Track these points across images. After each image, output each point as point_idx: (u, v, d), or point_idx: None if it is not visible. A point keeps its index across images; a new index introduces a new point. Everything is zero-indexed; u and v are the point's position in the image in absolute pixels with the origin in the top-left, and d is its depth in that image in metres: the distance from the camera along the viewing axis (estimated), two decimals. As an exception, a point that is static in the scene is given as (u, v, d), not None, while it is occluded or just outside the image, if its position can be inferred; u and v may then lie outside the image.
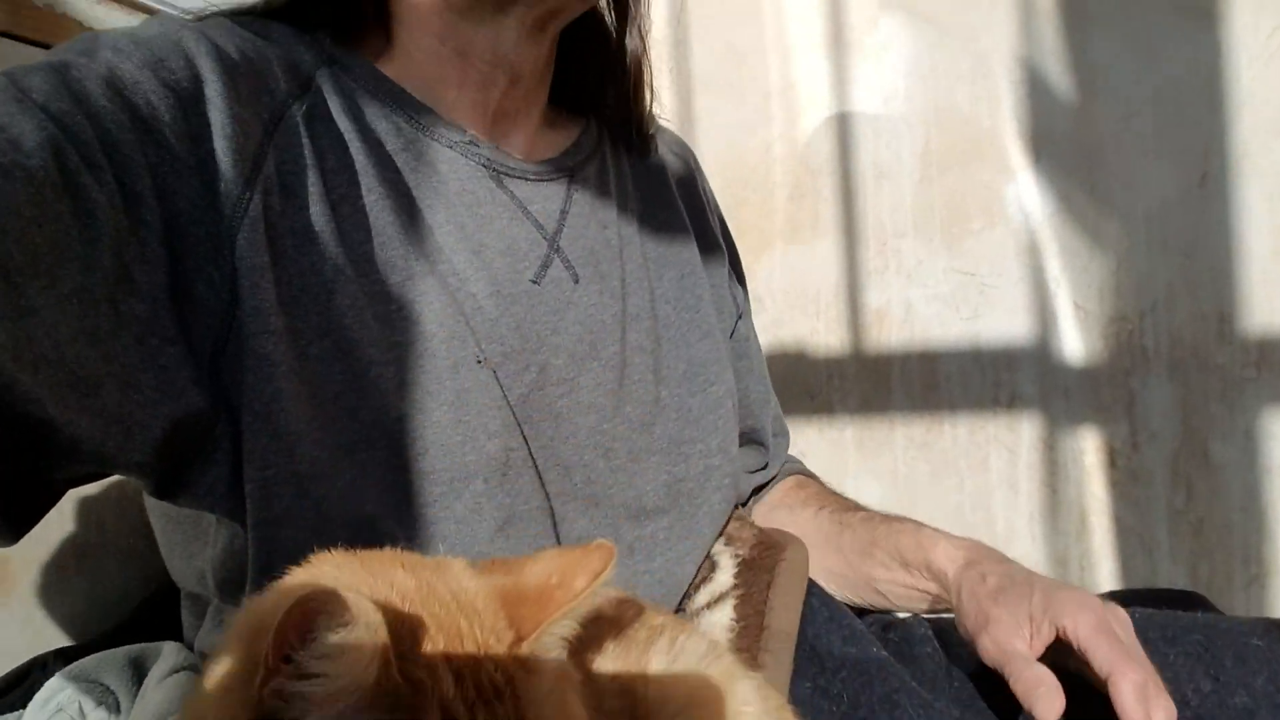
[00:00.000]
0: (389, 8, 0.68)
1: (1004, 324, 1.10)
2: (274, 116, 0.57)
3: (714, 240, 0.85)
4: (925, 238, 1.12)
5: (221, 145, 0.52)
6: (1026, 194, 1.08)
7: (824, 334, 1.17)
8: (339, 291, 0.57)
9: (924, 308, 1.13)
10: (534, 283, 0.67)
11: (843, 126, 1.15)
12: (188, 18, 0.62)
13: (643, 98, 0.79)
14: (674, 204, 0.82)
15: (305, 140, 0.58)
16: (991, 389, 1.11)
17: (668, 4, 1.22)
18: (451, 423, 0.58)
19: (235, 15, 0.64)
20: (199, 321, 0.52)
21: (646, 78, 0.78)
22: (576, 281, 0.70)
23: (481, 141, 0.68)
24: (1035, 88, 1.07)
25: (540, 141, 0.75)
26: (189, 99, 0.52)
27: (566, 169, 0.74)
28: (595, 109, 0.79)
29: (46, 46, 0.59)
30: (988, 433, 1.12)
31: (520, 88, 0.70)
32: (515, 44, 0.67)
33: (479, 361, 0.61)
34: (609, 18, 0.75)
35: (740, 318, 0.86)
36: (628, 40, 0.75)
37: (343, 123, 0.61)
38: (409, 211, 0.62)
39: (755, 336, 0.90)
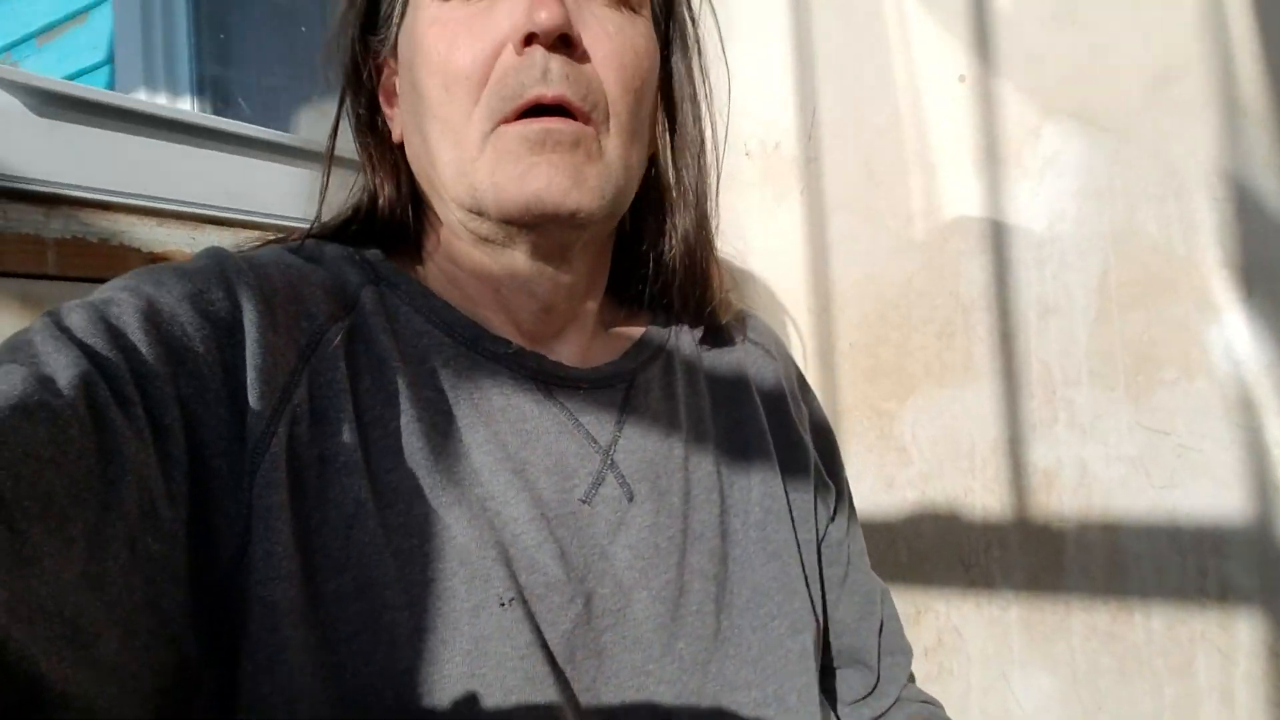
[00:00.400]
0: (425, 230, 0.68)
1: (1209, 496, 0.89)
2: (311, 341, 0.56)
3: (797, 443, 0.74)
4: (1104, 387, 0.93)
5: (252, 377, 0.51)
6: (1236, 337, 0.88)
7: (981, 494, 1.00)
8: (359, 525, 0.53)
9: (1104, 470, 0.94)
10: (584, 502, 0.61)
11: (999, 254, 0.98)
12: (244, 248, 0.63)
13: (708, 292, 0.70)
14: (751, 403, 0.72)
15: (342, 363, 0.56)
16: (1195, 576, 0.90)
17: (798, 120, 1.11)
18: (463, 675, 0.52)
19: (289, 240, 0.65)
20: (208, 561, 0.49)
21: (709, 269, 0.70)
22: (631, 499, 0.63)
23: (529, 352, 0.63)
24: (1244, 207, 0.87)
25: (596, 346, 0.69)
26: (225, 329, 0.52)
27: (625, 374, 0.67)
28: (659, 304, 0.72)
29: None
30: (1192, 629, 0.90)
31: (555, 312, 0.66)
32: (535, 274, 0.63)
33: (502, 604, 0.55)
34: (674, 216, 0.69)
35: (833, 519, 0.75)
36: (676, 235, 0.69)
37: (383, 341, 0.59)
38: (445, 432, 0.58)
39: (856, 539, 0.78)
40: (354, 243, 0.66)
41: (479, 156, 0.59)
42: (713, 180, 0.70)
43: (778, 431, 0.73)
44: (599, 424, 0.64)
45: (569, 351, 0.67)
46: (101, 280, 0.56)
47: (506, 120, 0.58)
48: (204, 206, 0.74)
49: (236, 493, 0.50)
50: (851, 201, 1.07)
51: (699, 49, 0.72)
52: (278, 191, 0.77)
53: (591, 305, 0.69)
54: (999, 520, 0.99)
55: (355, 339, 0.58)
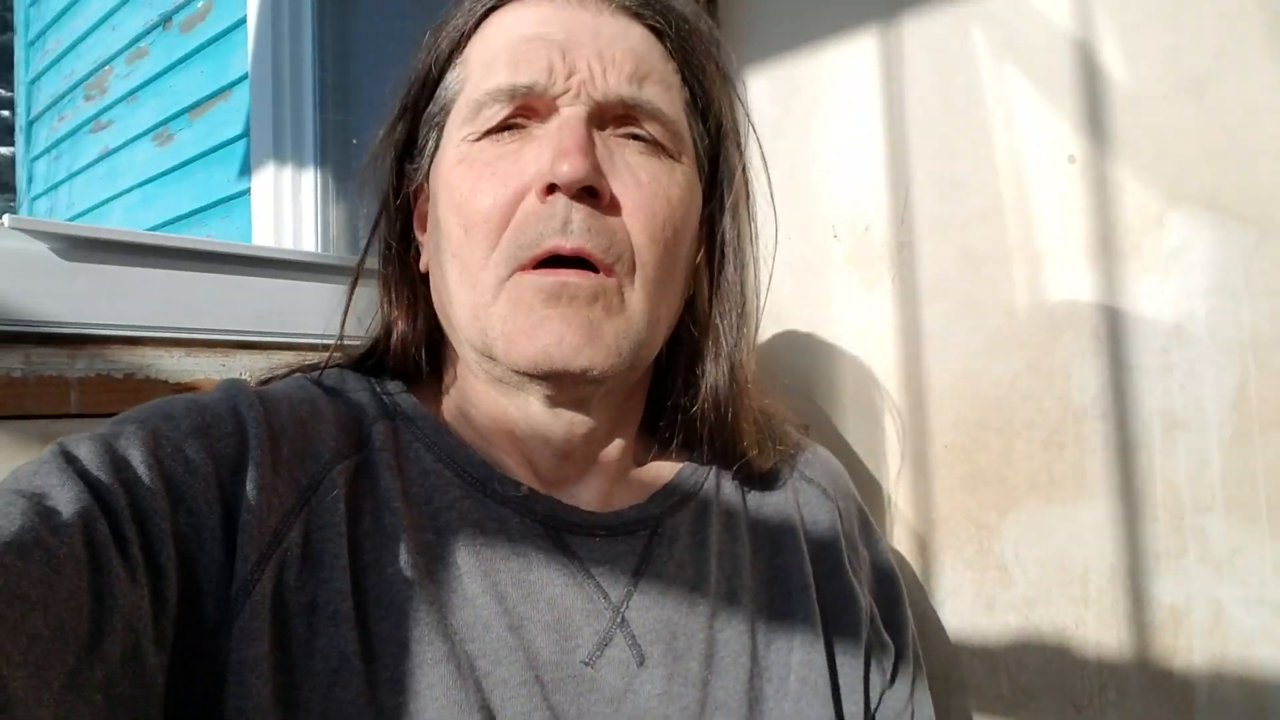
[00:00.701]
0: (445, 363, 0.67)
1: (1375, 657, 0.74)
2: (313, 481, 0.55)
3: (849, 597, 0.67)
4: (1245, 517, 0.80)
5: (245, 518, 0.51)
6: None
7: (1094, 628, 0.88)
8: (343, 681, 0.51)
9: (1244, 615, 0.80)
10: (586, 664, 0.57)
11: (1117, 358, 0.87)
12: (274, 373, 0.65)
13: (740, 441, 0.65)
14: (797, 551, 0.65)
15: (342, 505, 0.55)
16: (1358, 751, 0.75)
17: (890, 202, 1.02)
18: None
19: (314, 368, 0.65)
20: (185, 707, 0.48)
21: (739, 420, 0.64)
22: (641, 664, 0.58)
23: (540, 495, 0.60)
24: None
25: (621, 488, 0.64)
26: (228, 467, 0.52)
27: (649, 519, 0.62)
28: (697, 443, 0.67)
29: None
30: (1353, 812, 0.76)
31: (573, 458, 0.62)
32: (550, 420, 0.61)
33: None
34: (704, 363, 0.66)
35: (891, 684, 0.66)
36: (705, 385, 0.65)
37: (388, 480, 0.57)
38: (441, 580, 0.55)
39: (922, 706, 0.72)
40: (379, 370, 0.65)
41: (493, 303, 0.57)
42: (752, 327, 0.68)
43: (826, 583, 0.66)
44: (613, 576, 0.59)
45: (589, 495, 0.63)
46: None
47: (523, 268, 0.56)
48: (234, 332, 0.74)
49: (215, 640, 0.49)
50: (948, 291, 0.98)
51: (747, 194, 0.69)
52: (311, 309, 0.77)
53: (615, 448, 0.65)
54: (1116, 659, 0.87)
55: (361, 476, 0.57)
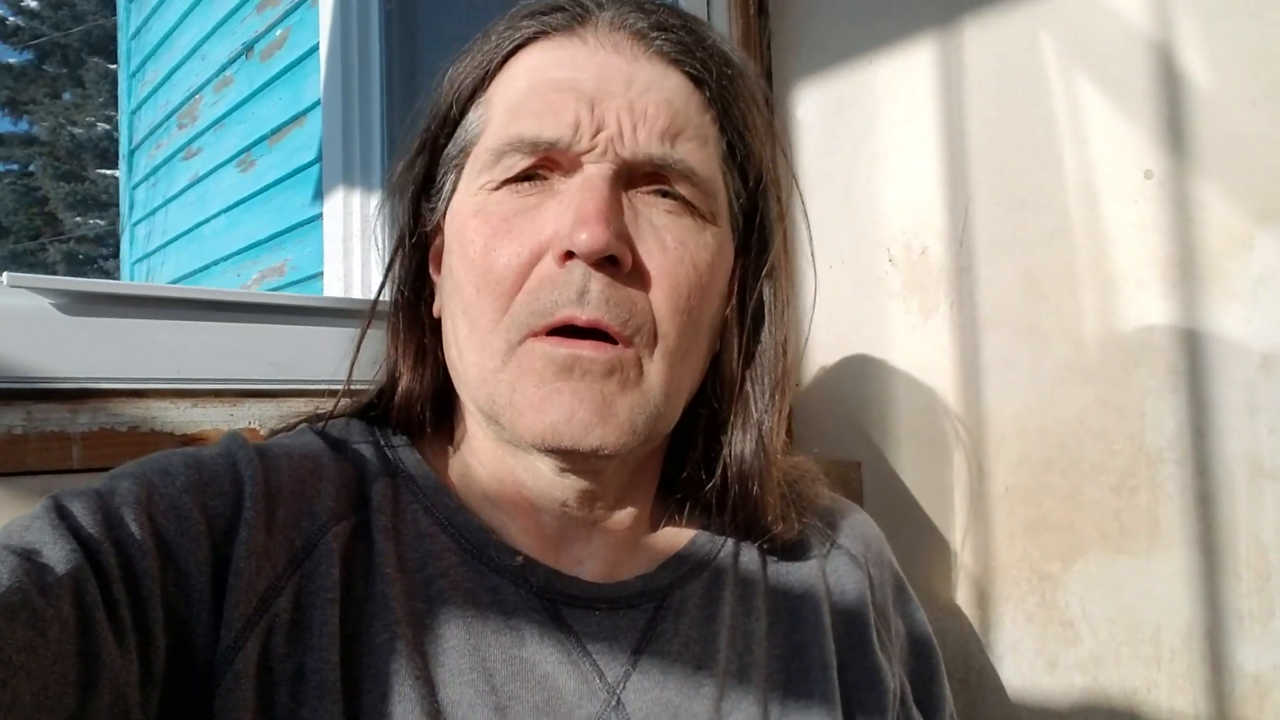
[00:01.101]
0: (455, 413, 0.63)
1: None
2: (308, 543, 0.53)
3: (875, 674, 0.61)
4: (1343, 577, 0.71)
5: (234, 582, 0.49)
6: None
7: (1167, 692, 0.79)
8: None
9: (1344, 689, 0.70)
10: None
11: (1197, 396, 0.78)
12: (285, 421, 0.63)
13: (764, 513, 0.60)
14: (818, 625, 0.60)
15: (336, 569, 0.53)
16: None
17: (948, 223, 0.95)
18: None
19: (322, 418, 0.62)
20: None
21: (765, 493, 0.60)
22: None
23: (539, 565, 0.56)
24: None
25: (628, 556, 0.60)
26: (220, 528, 0.50)
27: (655, 591, 0.58)
28: (715, 508, 0.62)
29: None
30: None
31: (578, 524, 0.59)
32: (558, 484, 0.57)
33: None
34: (732, 432, 0.61)
35: None
36: (731, 454, 0.60)
37: (382, 544, 0.55)
38: (427, 654, 0.53)
39: None
40: (387, 418, 0.62)
41: (502, 369, 0.54)
42: (786, 392, 0.62)
43: (851, 659, 0.60)
44: (611, 654, 0.55)
45: (593, 564, 0.59)
46: None
47: (536, 334, 0.53)
48: (243, 381, 0.72)
49: (201, 708, 0.47)
50: (1010, 319, 0.90)
51: (785, 253, 0.64)
52: (323, 355, 0.74)
53: (626, 515, 0.60)
54: (1196, 731, 0.78)
55: (357, 539, 0.55)
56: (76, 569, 0.43)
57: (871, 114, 1.04)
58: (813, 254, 0.73)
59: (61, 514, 0.46)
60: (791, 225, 0.70)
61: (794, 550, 0.64)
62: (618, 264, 0.52)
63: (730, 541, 0.63)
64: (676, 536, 0.62)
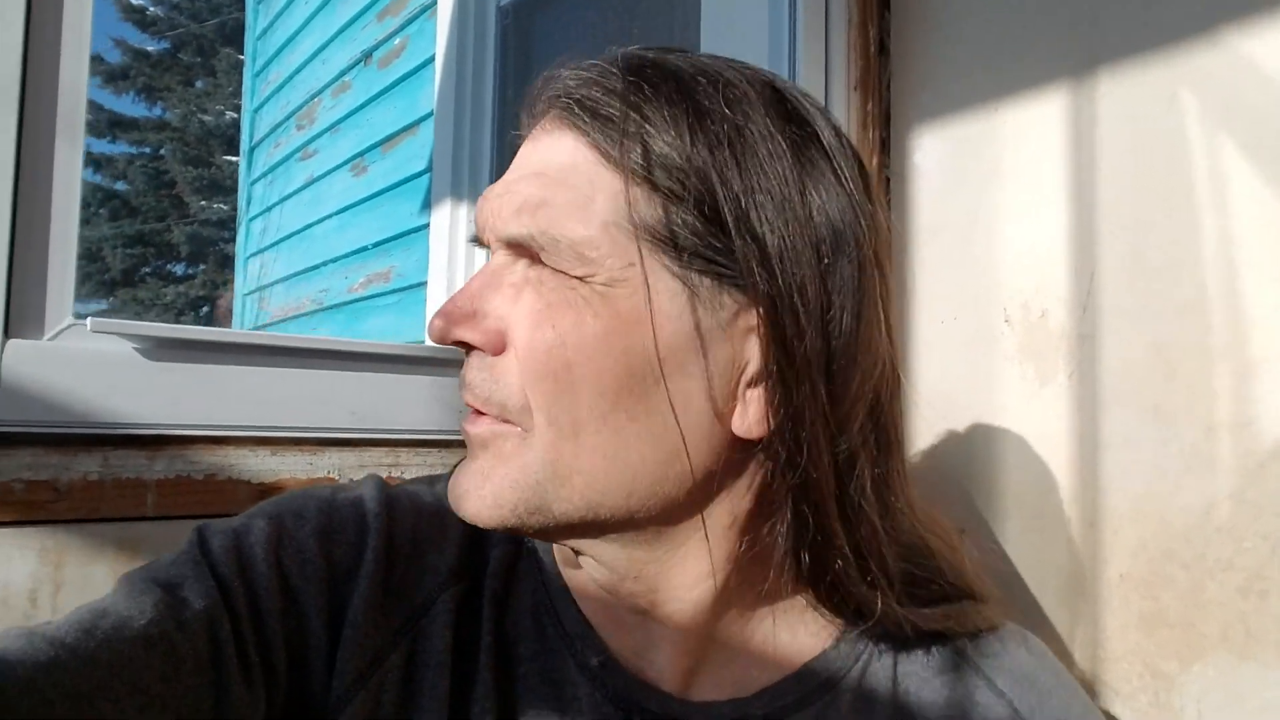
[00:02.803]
0: None
1: None
2: (425, 602, 0.55)
3: None
4: None
5: (350, 633, 0.51)
6: None
7: (1296, 819, 0.73)
8: None
9: None
10: None
11: (1343, 496, 0.72)
12: (439, 474, 0.63)
13: (888, 605, 0.54)
14: None
15: (449, 631, 0.54)
16: None
17: (1072, 286, 0.90)
18: None
19: None
20: None
21: (878, 563, 0.53)
22: None
23: (621, 669, 0.54)
24: None
25: (730, 670, 0.55)
26: (341, 577, 0.52)
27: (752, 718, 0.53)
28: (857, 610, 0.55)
29: (229, 515, 0.60)
30: None
31: (628, 609, 0.55)
32: (592, 564, 0.55)
33: None
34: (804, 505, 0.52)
35: None
36: (849, 512, 0.52)
37: (489, 611, 0.56)
38: None
39: None
40: None
41: None
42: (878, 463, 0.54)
43: None
44: None
45: (665, 666, 0.55)
46: (204, 518, 0.57)
47: None
48: (324, 429, 0.72)
49: None
50: (1135, 395, 0.85)
51: (828, 302, 0.53)
52: (407, 404, 0.74)
53: (689, 607, 0.54)
54: None
55: (470, 601, 0.56)
56: (212, 605, 0.46)
57: (994, 163, 0.99)
58: (921, 307, 0.67)
59: (204, 549, 0.49)
60: (899, 275, 0.65)
61: (945, 671, 0.57)
62: (477, 346, 0.52)
63: (861, 661, 0.56)
64: (796, 648, 0.56)
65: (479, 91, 2.05)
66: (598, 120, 0.51)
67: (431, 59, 2.12)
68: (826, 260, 0.50)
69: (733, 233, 0.49)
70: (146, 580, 0.46)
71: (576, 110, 0.51)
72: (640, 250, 0.49)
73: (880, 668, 0.56)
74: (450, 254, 2.05)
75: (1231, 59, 0.80)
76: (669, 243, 0.49)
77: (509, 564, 0.58)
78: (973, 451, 0.97)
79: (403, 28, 2.38)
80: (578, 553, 0.54)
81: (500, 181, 0.54)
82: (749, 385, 0.51)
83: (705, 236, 0.49)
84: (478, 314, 0.51)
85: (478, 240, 0.55)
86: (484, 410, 0.52)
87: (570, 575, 0.58)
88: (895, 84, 1.10)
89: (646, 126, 0.50)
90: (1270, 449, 0.76)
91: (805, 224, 0.50)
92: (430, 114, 2.11)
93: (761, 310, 0.49)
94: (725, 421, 0.51)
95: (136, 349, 0.67)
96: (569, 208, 0.50)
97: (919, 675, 0.56)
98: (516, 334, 0.50)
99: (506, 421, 0.51)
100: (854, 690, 0.55)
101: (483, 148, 2.03)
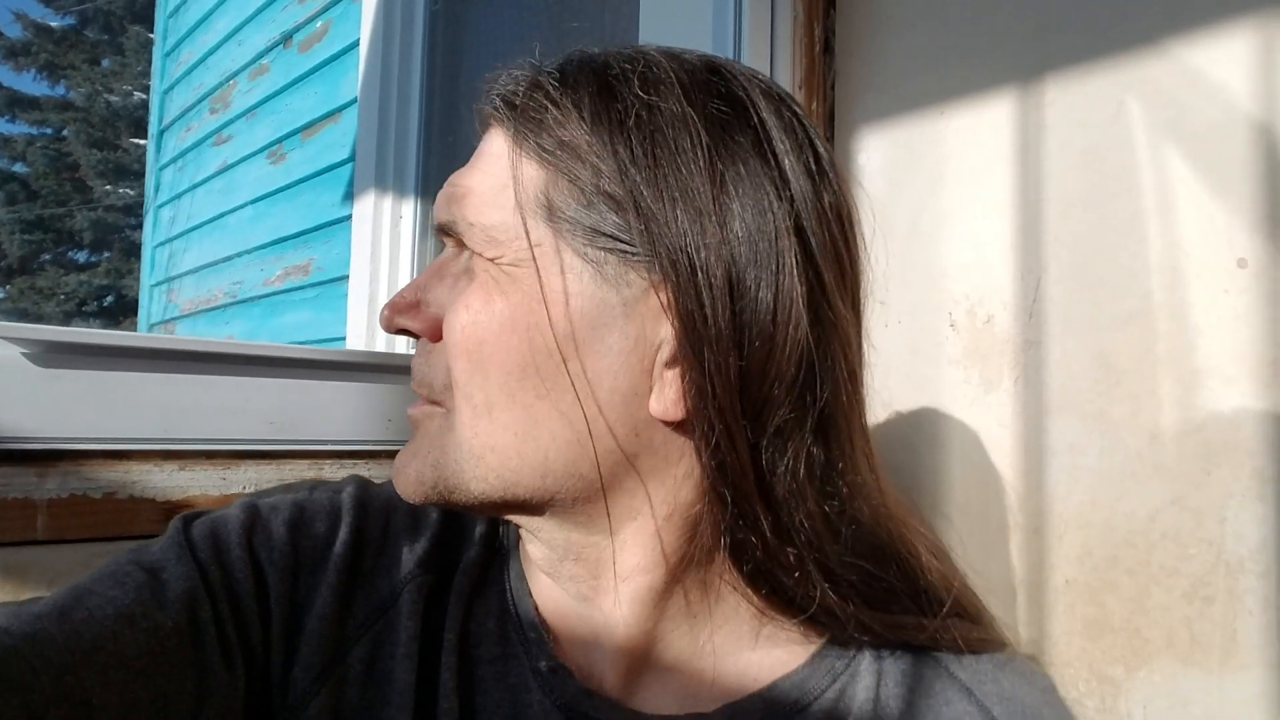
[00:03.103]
0: None
1: None
2: (393, 593, 0.56)
3: None
4: None
5: (315, 625, 0.52)
6: None
7: (1239, 824, 0.73)
8: None
9: None
10: None
11: (1284, 504, 0.73)
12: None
13: (884, 615, 0.53)
14: None
15: (414, 621, 0.54)
16: None
17: (1018, 292, 0.90)
18: None
19: None
20: None
21: (816, 556, 0.51)
22: None
23: (569, 673, 0.52)
24: None
25: (682, 680, 0.53)
26: (308, 568, 0.54)
27: None
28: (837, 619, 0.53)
29: (131, 538, 0.60)
30: None
31: (603, 597, 0.54)
32: (544, 541, 0.56)
33: None
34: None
35: None
36: (776, 497, 0.50)
37: (454, 607, 0.56)
38: None
39: None
40: None
41: None
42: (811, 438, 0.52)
43: None
44: None
45: (613, 679, 0.53)
46: (102, 541, 0.57)
47: None
48: (240, 441, 0.66)
49: None
50: (1080, 402, 0.85)
51: (730, 278, 0.50)
52: (330, 412, 0.69)
53: (641, 612, 0.53)
54: None
55: (436, 594, 0.57)
56: (193, 588, 0.48)
57: (940, 167, 0.98)
58: (869, 310, 0.66)
59: (186, 535, 0.51)
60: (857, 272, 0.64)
61: (932, 690, 0.54)
62: (419, 334, 0.55)
63: (838, 683, 0.54)
64: (765, 666, 0.54)
65: (405, 79, 1.98)
66: (513, 111, 0.53)
67: (355, 44, 2.04)
68: (737, 236, 0.49)
69: (630, 211, 0.49)
70: (131, 563, 0.48)
71: (499, 104, 0.55)
72: (549, 232, 0.51)
73: (860, 690, 0.53)
74: (374, 246, 1.98)
75: (1178, 69, 0.80)
76: (573, 223, 0.50)
77: (482, 564, 0.59)
78: (917, 457, 0.97)
79: (325, 10, 2.29)
80: (527, 532, 0.56)
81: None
82: (665, 365, 0.51)
83: (607, 215, 0.50)
84: (420, 304, 0.55)
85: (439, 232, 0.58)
86: (418, 391, 0.55)
87: (529, 571, 0.58)
88: (840, 84, 1.08)
89: (553, 112, 0.52)
90: (1214, 456, 0.76)
91: (712, 201, 0.49)
92: (354, 101, 2.04)
93: (668, 288, 0.49)
94: (644, 402, 0.51)
95: (25, 354, 0.61)
96: (488, 194, 0.53)
97: (902, 698, 0.53)
98: (447, 319, 0.53)
99: (434, 403, 0.54)
100: (828, 713, 0.52)
101: (408, 137, 1.96)
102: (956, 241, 0.96)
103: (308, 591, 0.53)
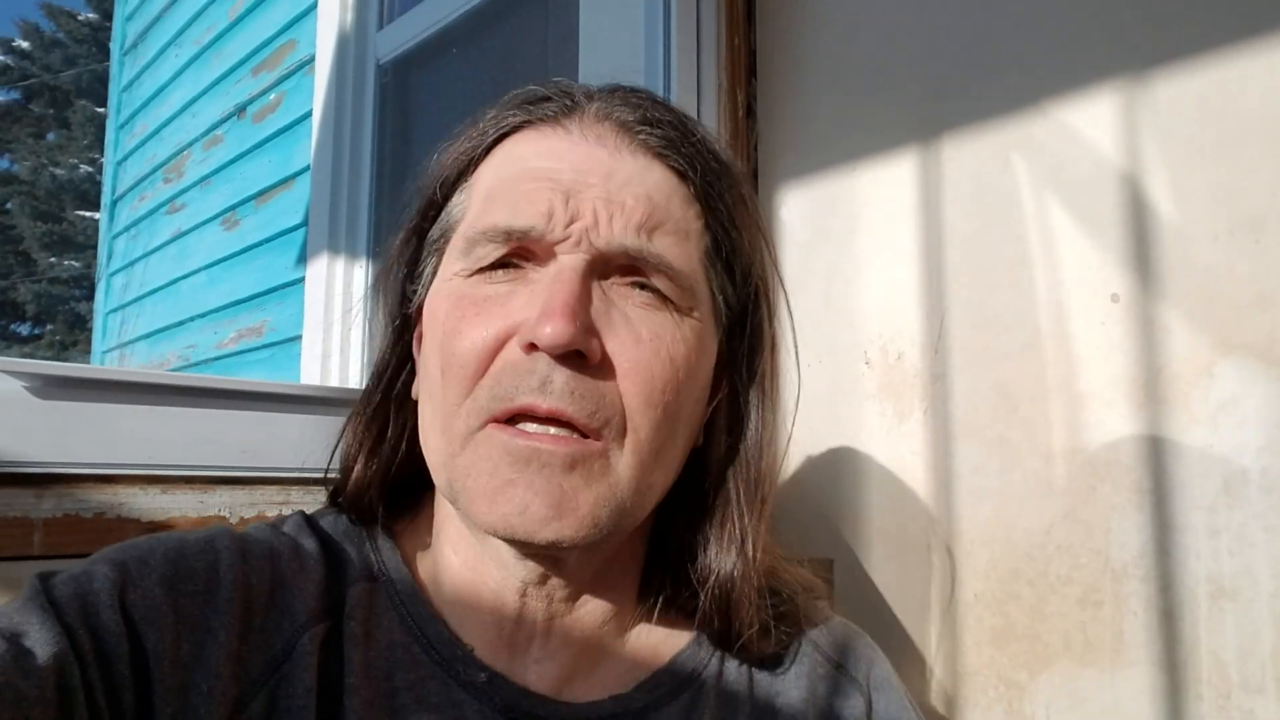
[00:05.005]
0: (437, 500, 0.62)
1: None
2: (286, 648, 0.53)
3: None
4: (1301, 702, 0.72)
5: (207, 684, 0.49)
6: None
7: (1135, 812, 0.79)
8: None
9: (1302, 815, 0.71)
10: None
11: (1161, 515, 0.80)
12: (280, 519, 0.61)
13: (743, 612, 0.59)
14: None
15: (310, 673, 0.52)
16: None
17: (924, 331, 0.98)
18: None
19: (319, 512, 0.63)
20: None
21: (741, 602, 0.59)
22: None
23: (508, 682, 0.55)
24: None
25: (594, 664, 0.58)
26: (191, 627, 0.50)
27: (629, 715, 0.57)
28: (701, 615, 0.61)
29: None
30: None
31: (538, 618, 0.57)
32: (517, 567, 0.57)
33: None
34: (709, 544, 0.60)
35: None
36: (709, 563, 0.59)
37: (350, 653, 0.54)
38: None
39: None
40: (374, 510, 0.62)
41: (460, 453, 0.53)
42: (768, 493, 0.61)
43: None
44: None
45: (550, 665, 0.57)
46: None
47: (497, 420, 0.52)
48: (215, 468, 0.72)
49: None
50: (981, 429, 0.93)
51: (774, 352, 0.64)
52: (296, 442, 0.74)
53: (590, 610, 0.59)
54: None
55: (330, 644, 0.54)
56: (60, 653, 0.44)
57: (853, 220, 1.07)
58: (796, 352, 0.73)
59: (49, 596, 0.47)
60: (778, 324, 0.71)
61: (784, 669, 0.63)
62: (584, 357, 0.52)
63: (716, 656, 0.61)
64: (659, 647, 0.61)
65: (357, 147, 2.05)
66: (692, 168, 0.58)
67: (308, 114, 2.12)
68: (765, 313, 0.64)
69: (764, 302, 0.63)
70: None
71: (672, 151, 0.58)
72: (706, 293, 0.59)
73: (735, 667, 0.62)
74: (326, 306, 2.02)
75: (1056, 127, 0.90)
76: (721, 291, 0.60)
77: (367, 601, 0.56)
78: (840, 485, 1.04)
79: (279, 83, 2.37)
80: (534, 558, 0.57)
81: (580, 184, 0.55)
82: (705, 412, 0.61)
83: (725, 293, 0.60)
84: (590, 327, 0.52)
85: (523, 235, 0.54)
86: (584, 421, 0.52)
87: (431, 592, 0.59)
88: (763, 145, 1.18)
89: (724, 192, 0.60)
90: (1098, 472, 0.84)
91: (764, 284, 0.64)
92: (306, 168, 2.10)
93: (729, 358, 0.62)
94: (696, 439, 0.61)
95: (26, 387, 0.66)
96: (678, 239, 0.56)
97: (771, 667, 0.63)
98: (632, 355, 0.53)
99: (589, 438, 0.52)
100: (715, 684, 0.60)
101: (360, 202, 2.03)
102: (869, 287, 1.04)
103: (194, 650, 0.50)
